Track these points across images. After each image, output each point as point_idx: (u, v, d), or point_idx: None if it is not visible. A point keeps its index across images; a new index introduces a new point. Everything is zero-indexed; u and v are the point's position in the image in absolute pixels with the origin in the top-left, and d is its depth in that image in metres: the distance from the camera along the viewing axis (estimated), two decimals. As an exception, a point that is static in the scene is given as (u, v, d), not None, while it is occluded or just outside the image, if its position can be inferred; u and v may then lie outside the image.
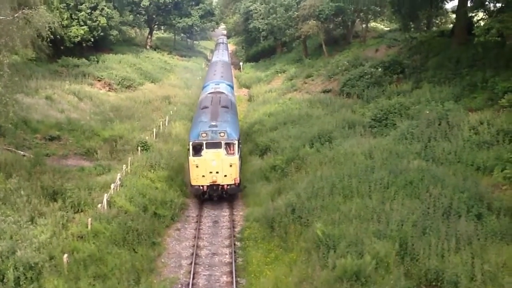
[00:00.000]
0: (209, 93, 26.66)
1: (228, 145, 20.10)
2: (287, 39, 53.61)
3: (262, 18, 56.10)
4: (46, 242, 13.80)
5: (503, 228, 12.60)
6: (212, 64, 45.81)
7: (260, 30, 57.16)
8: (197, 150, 20.00)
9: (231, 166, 19.85)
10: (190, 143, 20.09)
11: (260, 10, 57.37)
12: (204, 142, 19.90)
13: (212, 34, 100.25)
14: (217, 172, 19.84)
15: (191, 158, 19.98)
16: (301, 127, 25.74)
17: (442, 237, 12.43)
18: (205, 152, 19.88)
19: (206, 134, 19.97)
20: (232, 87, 32.58)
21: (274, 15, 50.77)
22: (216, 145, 19.99)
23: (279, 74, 46.68)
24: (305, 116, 27.90)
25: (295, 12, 46.41)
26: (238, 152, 20.44)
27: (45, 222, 14.88)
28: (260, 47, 67.77)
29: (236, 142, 20.35)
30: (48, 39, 21.47)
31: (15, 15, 18.47)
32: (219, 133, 20.09)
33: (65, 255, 12.93)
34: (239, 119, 26.52)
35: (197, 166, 19.86)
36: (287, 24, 49.37)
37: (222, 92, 26.82)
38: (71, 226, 15.20)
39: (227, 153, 19.95)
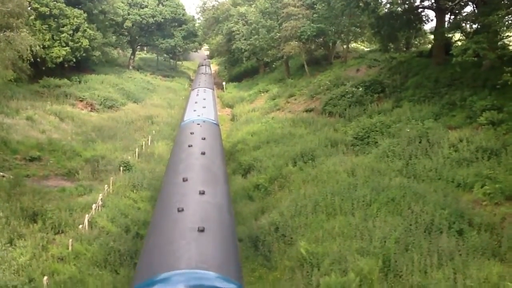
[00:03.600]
0: None
1: None
2: (270, 59, 54.12)
3: (245, 39, 56.56)
4: (26, 264, 13.54)
5: (484, 244, 12.72)
6: (182, 131, 21.25)
7: (243, 50, 57.58)
8: None
9: None
10: None
11: (242, 31, 57.93)
12: None
13: (194, 55, 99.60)
14: None
15: None
16: (284, 146, 25.82)
17: (425, 253, 12.51)
18: None
19: None
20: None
21: (256, 36, 51.27)
22: None
23: (262, 94, 46.99)
24: (288, 135, 28.01)
25: (277, 33, 46.96)
26: None
27: (25, 244, 14.61)
28: (243, 67, 68.38)
29: None
30: (29, 61, 21.41)
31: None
32: None
33: (45, 278, 12.66)
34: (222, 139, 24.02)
35: None
36: (269, 45, 49.85)
37: None
38: (51, 247, 14.94)
39: None
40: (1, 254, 13.71)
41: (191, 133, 19.06)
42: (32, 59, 20.94)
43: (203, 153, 15.57)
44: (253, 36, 52.48)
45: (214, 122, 24.07)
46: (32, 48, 20.07)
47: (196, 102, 30.33)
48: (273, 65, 58.32)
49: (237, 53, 61.29)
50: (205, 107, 27.77)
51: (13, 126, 26.77)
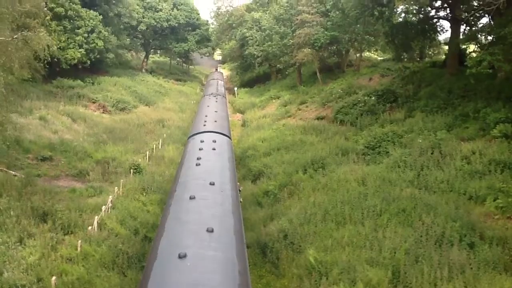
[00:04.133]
0: None
1: None
2: (282, 66, 54.17)
3: (258, 45, 56.79)
4: (35, 264, 13.59)
5: (495, 258, 12.55)
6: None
7: (256, 56, 57.83)
8: None
9: None
10: None
11: (256, 37, 58.16)
12: None
13: (206, 60, 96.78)
14: None
15: None
16: (295, 153, 25.79)
17: (435, 265, 12.36)
18: None
19: None
20: None
21: (269, 42, 51.40)
22: None
23: (273, 100, 47.00)
24: (298, 142, 27.98)
25: (290, 40, 47.02)
26: None
27: (34, 243, 14.68)
28: (255, 73, 68.55)
29: None
30: (46, 61, 21.62)
31: (14, 37, 18.64)
32: None
33: (54, 278, 12.70)
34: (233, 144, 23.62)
35: None
36: (282, 51, 49.97)
37: None
38: (60, 248, 14.97)
39: None
40: (10, 253, 13.78)
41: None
42: (49, 59, 21.21)
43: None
44: (266, 42, 52.61)
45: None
46: (50, 48, 20.40)
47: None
48: (286, 72, 58.35)
49: (250, 58, 61.48)
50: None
51: (26, 125, 26.99)
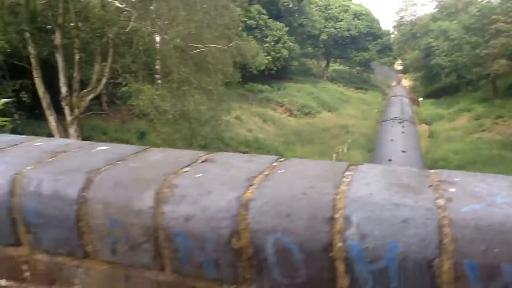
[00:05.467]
0: None
1: None
2: (473, 77, 50.47)
3: (445, 55, 53.89)
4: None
5: None
6: None
7: (442, 67, 54.92)
8: None
9: None
10: None
11: (442, 47, 55.27)
12: None
13: (385, 71, 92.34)
14: None
15: None
16: (494, 168, 23.84)
17: None
18: None
19: None
20: None
21: (459, 53, 48.38)
22: None
23: (464, 113, 44.14)
24: (497, 157, 25.97)
25: (483, 51, 43.55)
26: None
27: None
28: (440, 84, 65.22)
29: None
30: (256, 67, 23.81)
31: (230, 45, 20.93)
32: None
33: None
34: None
35: None
36: (474, 62, 46.52)
37: None
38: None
39: None
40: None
41: None
42: (263, 67, 23.60)
43: None
44: (455, 52, 49.64)
45: None
46: (258, 55, 22.79)
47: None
48: (477, 84, 54.21)
49: (436, 69, 58.61)
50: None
51: (226, 123, 29.69)
